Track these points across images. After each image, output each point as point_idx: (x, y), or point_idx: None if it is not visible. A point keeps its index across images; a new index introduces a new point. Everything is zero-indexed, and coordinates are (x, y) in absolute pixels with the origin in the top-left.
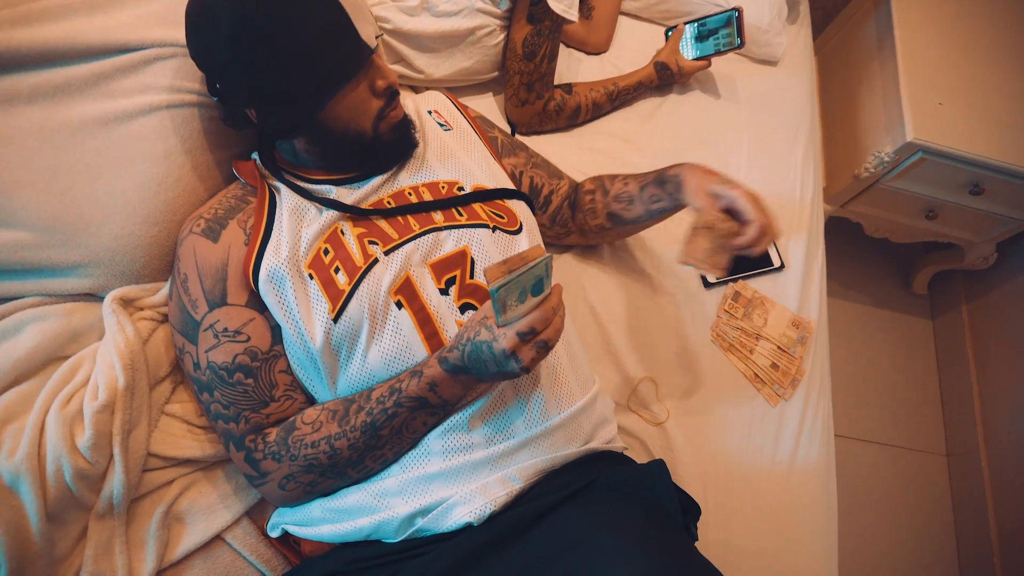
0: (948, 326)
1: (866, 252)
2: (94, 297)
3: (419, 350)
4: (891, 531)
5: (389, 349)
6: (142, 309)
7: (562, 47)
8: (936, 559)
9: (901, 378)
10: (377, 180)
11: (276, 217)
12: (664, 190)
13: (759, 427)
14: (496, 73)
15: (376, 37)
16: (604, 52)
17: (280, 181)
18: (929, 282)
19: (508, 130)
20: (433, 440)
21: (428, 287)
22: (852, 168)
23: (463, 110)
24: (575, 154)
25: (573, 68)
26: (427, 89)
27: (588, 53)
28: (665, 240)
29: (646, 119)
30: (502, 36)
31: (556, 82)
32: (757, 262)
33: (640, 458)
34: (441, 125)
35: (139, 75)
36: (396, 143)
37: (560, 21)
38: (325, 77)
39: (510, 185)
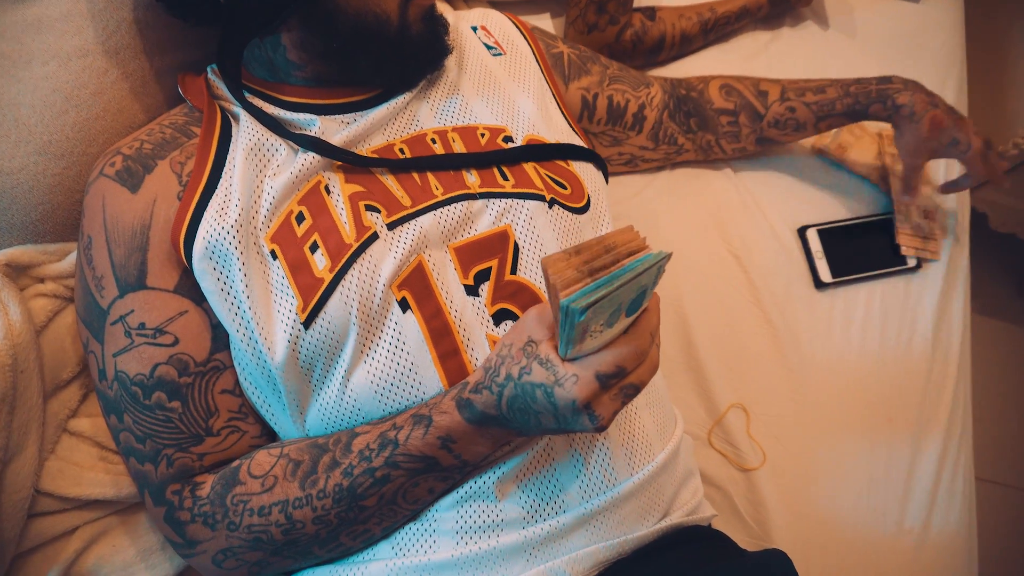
0: None
1: (984, 250)
2: None
3: (429, 376)
4: None
5: (384, 371)
6: (42, 281)
7: None
8: None
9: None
10: (384, 111)
11: (228, 158)
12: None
13: (882, 481)
14: None
15: None
16: None
17: (239, 104)
18: None
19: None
20: (443, 512)
21: (449, 281)
22: (993, 142)
23: (524, 30)
24: None
25: None
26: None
27: None
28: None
29: (748, 59)
30: None
31: (636, 4)
32: (886, 259)
33: (724, 517)
34: (489, 48)
35: None
36: (427, 40)
37: None
38: None
39: (576, 140)
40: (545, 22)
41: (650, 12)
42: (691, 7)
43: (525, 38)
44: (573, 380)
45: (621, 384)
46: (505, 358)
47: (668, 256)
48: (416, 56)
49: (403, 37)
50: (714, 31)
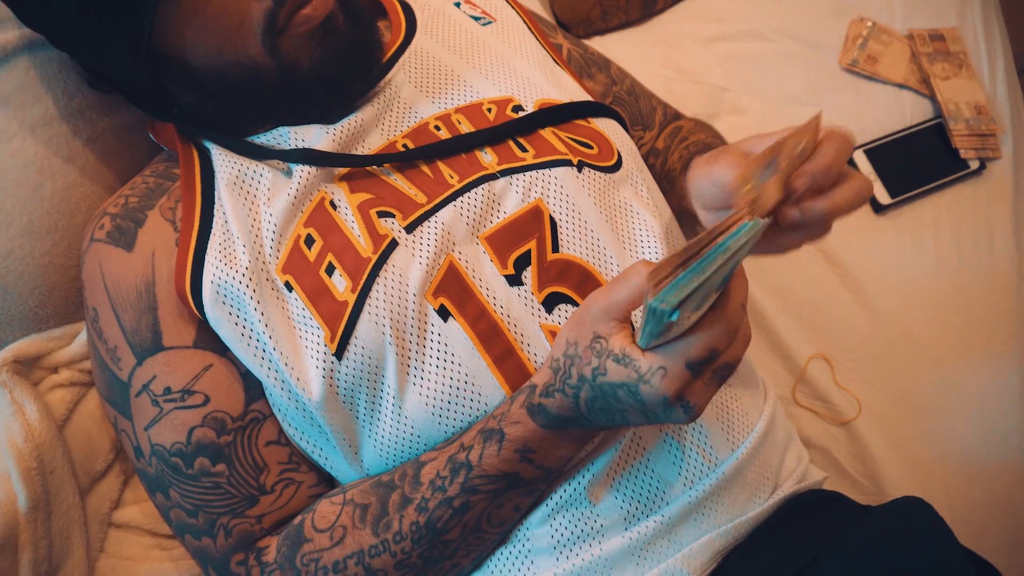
0: None
1: None
2: None
3: (487, 385)
4: None
5: (437, 389)
6: (55, 370)
7: None
8: None
9: None
10: (372, 108)
11: (216, 195)
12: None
13: (993, 405)
14: None
15: None
16: None
17: (209, 139)
18: None
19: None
20: (535, 528)
21: (487, 275)
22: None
23: (512, 2)
24: (659, 66)
25: None
26: None
27: None
28: None
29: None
30: None
31: None
32: (945, 166)
33: (834, 479)
34: (477, 19)
35: None
36: (324, 74)
37: None
38: None
39: (589, 97)
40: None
41: None
42: None
43: (513, 7)
44: (661, 374)
45: (714, 366)
46: (573, 358)
47: (766, 224)
48: (332, 87)
49: (294, 78)
50: None
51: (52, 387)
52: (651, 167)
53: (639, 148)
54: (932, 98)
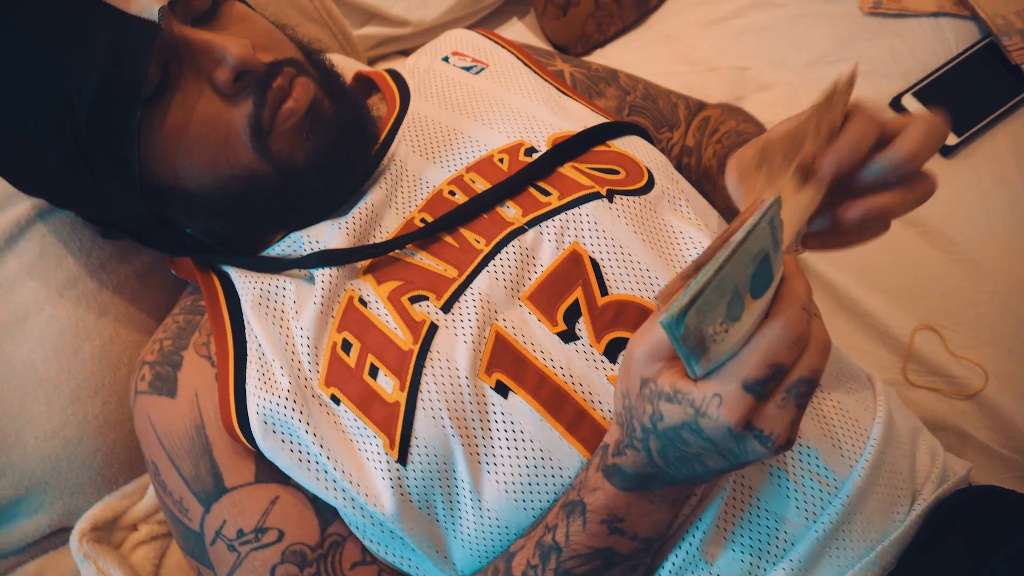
0: None
1: None
2: (67, 532)
3: (565, 455)
4: None
5: (514, 473)
6: (135, 528)
7: None
8: None
9: None
10: (379, 190)
11: (245, 319)
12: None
13: None
14: None
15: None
16: None
17: (226, 263)
18: None
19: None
20: None
21: (539, 337)
22: None
23: (500, 41)
24: (669, 62)
25: None
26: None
27: None
28: None
29: None
30: None
31: None
32: (1010, 87)
33: (977, 462)
34: (468, 69)
35: None
36: (322, 163)
37: None
38: (68, 114)
39: (604, 118)
40: (514, 28)
41: None
42: None
43: (503, 47)
44: (716, 403)
45: (785, 384)
46: (631, 411)
47: (774, 204)
48: (334, 175)
49: (293, 176)
50: None
51: (134, 546)
52: (686, 168)
53: (670, 149)
54: (975, 18)
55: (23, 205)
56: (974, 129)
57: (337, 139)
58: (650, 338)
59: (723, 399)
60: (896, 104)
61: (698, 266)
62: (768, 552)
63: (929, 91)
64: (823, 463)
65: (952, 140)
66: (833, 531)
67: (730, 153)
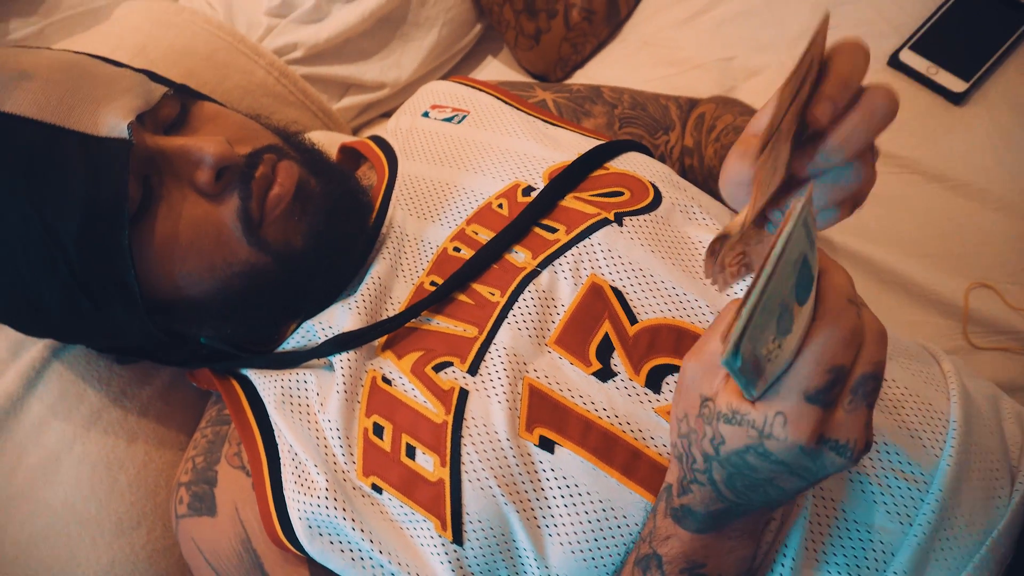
0: None
1: None
2: None
3: (626, 502)
4: None
5: (576, 531)
6: None
7: None
8: None
9: None
10: (382, 262)
11: (272, 422)
12: None
13: None
14: (478, 26)
15: (153, 106)
16: None
17: (242, 366)
18: None
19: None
20: None
21: (574, 382)
22: None
23: (477, 85)
24: (653, 68)
25: None
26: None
27: None
28: None
29: None
30: None
31: None
32: (1013, 17)
33: None
34: (449, 119)
35: None
36: (320, 243)
37: None
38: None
39: (596, 140)
40: (491, 67)
41: None
42: None
43: (481, 90)
44: (781, 422)
45: (849, 386)
46: (689, 436)
47: (806, 204)
48: (334, 252)
49: (293, 262)
50: None
51: None
52: (690, 169)
53: (669, 152)
54: None
55: (36, 347)
56: (981, 71)
57: (331, 215)
58: (706, 349)
59: (787, 417)
60: (896, 62)
61: (749, 292)
62: (867, 567)
63: (926, 42)
64: (906, 458)
65: (961, 87)
66: (933, 532)
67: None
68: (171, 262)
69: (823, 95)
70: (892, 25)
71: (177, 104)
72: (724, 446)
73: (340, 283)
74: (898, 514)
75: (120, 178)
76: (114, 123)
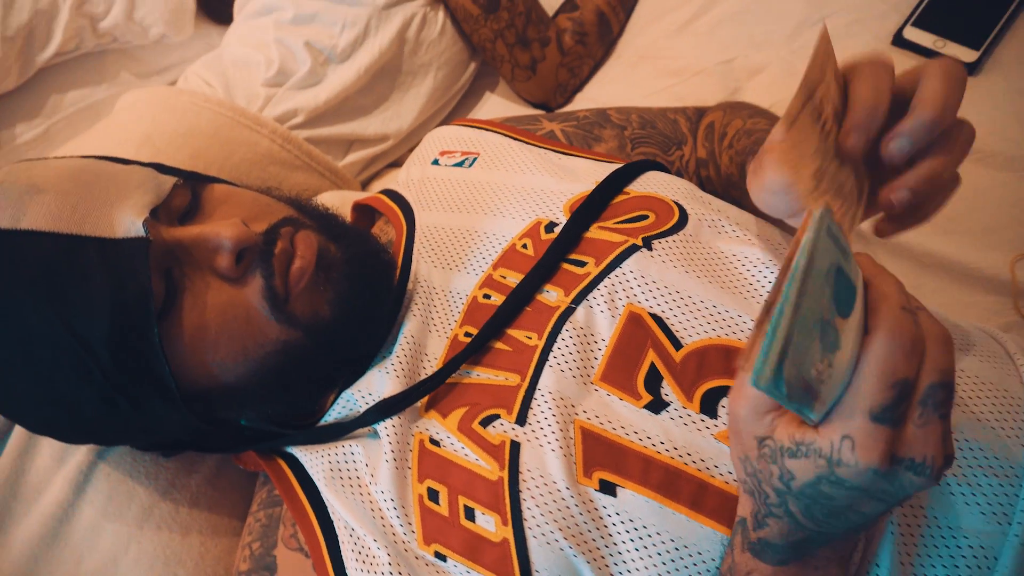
0: None
1: None
2: None
3: (698, 538)
4: None
5: (650, 574)
6: None
7: None
8: None
9: None
10: (413, 320)
11: (324, 499)
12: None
13: None
14: (473, 64)
15: (164, 198)
16: None
17: (286, 444)
18: None
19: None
20: None
21: (627, 418)
22: None
23: (482, 125)
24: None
25: None
26: (409, 153)
27: None
28: None
29: None
30: (441, 13)
31: (550, 9)
32: None
33: None
34: (460, 164)
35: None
36: (348, 309)
37: None
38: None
39: (613, 164)
40: (491, 103)
41: (569, 4)
42: None
43: (488, 130)
44: (848, 446)
45: (917, 398)
46: (755, 476)
47: (826, 212)
48: (364, 315)
49: (324, 332)
50: None
51: None
52: (708, 180)
53: (685, 166)
54: None
55: (80, 452)
56: (990, 38)
57: (355, 280)
58: (748, 393)
59: (854, 440)
60: (900, 41)
61: (768, 306)
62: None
63: (929, 16)
64: (990, 452)
65: (972, 56)
66: None
67: (748, 158)
68: (203, 351)
69: (853, 125)
70: (890, 4)
71: (188, 192)
72: (795, 481)
73: (373, 346)
74: (994, 514)
75: (142, 276)
76: (129, 222)
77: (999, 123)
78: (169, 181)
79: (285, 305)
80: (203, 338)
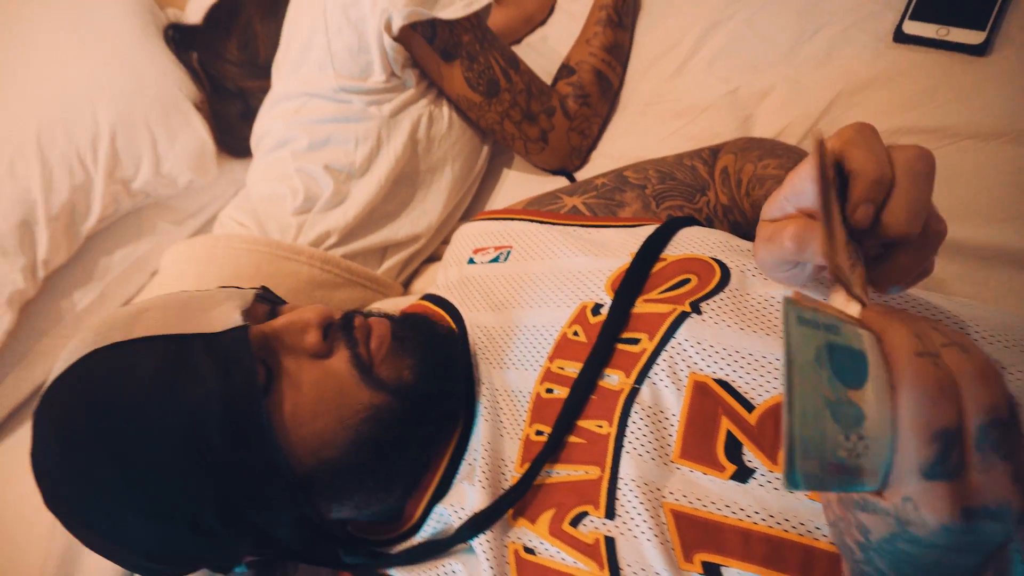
0: None
1: None
2: None
3: None
4: None
5: None
6: None
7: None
8: None
9: None
10: (483, 424)
11: None
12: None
13: None
14: (486, 148)
15: (250, 304)
16: (546, 16)
17: (387, 565)
18: None
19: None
20: None
21: (715, 492)
22: None
23: (507, 215)
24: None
25: (544, 50)
26: (443, 246)
27: (535, 29)
28: None
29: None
30: (445, 108)
31: (547, 79)
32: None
33: None
34: (495, 260)
35: None
36: (427, 369)
37: (478, 21)
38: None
39: (643, 227)
40: (509, 178)
41: (566, 70)
42: (586, 27)
43: (513, 219)
44: (911, 507)
45: (969, 444)
46: (837, 523)
47: (788, 304)
48: (443, 376)
49: (410, 394)
50: (625, 12)
51: None
52: (738, 226)
53: (715, 212)
54: None
55: None
56: (993, 16)
57: (427, 345)
58: None
59: (915, 499)
60: (901, 36)
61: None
62: None
63: (925, 7)
64: None
65: (979, 38)
66: None
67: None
68: (304, 426)
69: (859, 199)
70: (880, 2)
71: (266, 304)
72: (871, 534)
73: (456, 405)
74: None
75: (246, 359)
76: (227, 318)
77: (1018, 101)
78: (251, 292)
79: (371, 370)
80: (303, 414)
